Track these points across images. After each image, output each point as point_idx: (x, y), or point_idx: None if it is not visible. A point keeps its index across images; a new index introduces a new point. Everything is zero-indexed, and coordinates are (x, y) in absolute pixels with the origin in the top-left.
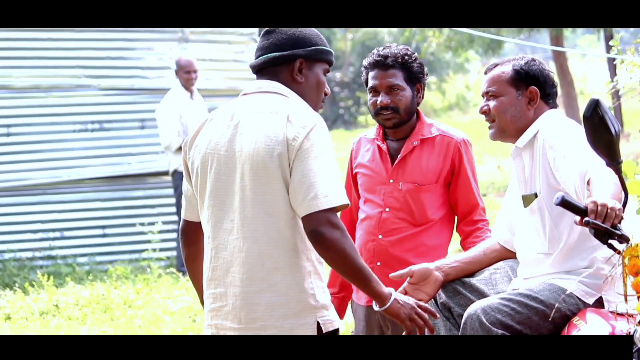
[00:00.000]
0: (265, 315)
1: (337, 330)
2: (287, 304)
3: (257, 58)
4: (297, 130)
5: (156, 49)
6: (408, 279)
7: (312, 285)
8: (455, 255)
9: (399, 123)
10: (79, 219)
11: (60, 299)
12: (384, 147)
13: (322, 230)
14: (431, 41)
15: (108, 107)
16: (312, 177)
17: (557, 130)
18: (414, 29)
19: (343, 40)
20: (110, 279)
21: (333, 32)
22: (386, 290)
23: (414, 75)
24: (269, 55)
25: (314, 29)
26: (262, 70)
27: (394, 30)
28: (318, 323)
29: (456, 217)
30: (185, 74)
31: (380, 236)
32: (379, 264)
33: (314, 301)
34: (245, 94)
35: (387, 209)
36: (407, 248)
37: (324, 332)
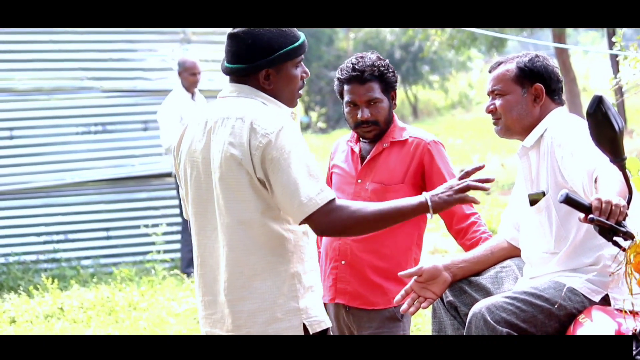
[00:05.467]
0: (249, 322)
1: (327, 330)
2: (270, 309)
3: (226, 62)
4: (259, 140)
5: (158, 50)
6: (415, 277)
7: (295, 287)
8: (463, 254)
9: (378, 134)
10: (82, 221)
11: (64, 301)
12: (356, 148)
13: (325, 227)
14: (434, 40)
15: (111, 109)
16: (292, 186)
17: (566, 129)
18: (416, 28)
19: (345, 40)
20: (115, 281)
21: (335, 32)
22: (418, 200)
23: (390, 85)
24: (234, 66)
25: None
26: (231, 76)
27: (396, 29)
28: (304, 325)
29: (445, 222)
30: (191, 75)
31: None
32: (343, 262)
33: (296, 303)
34: (222, 97)
35: None
36: (371, 248)
37: (310, 333)
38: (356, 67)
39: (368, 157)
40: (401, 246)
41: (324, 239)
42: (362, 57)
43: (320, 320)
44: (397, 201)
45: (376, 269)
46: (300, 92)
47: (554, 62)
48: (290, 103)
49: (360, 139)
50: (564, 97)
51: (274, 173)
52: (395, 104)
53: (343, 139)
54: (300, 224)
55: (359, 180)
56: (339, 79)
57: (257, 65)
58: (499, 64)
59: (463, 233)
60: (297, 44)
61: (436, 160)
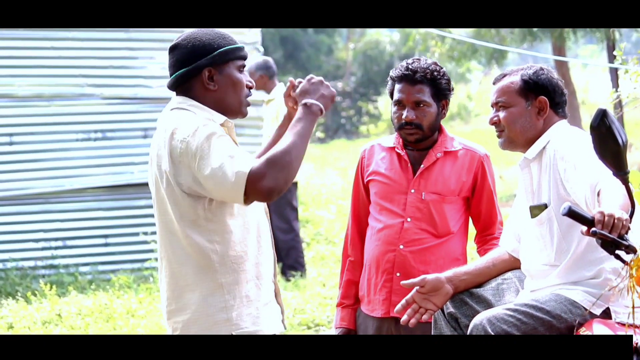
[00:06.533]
0: (183, 333)
1: None
2: (198, 320)
3: (170, 75)
4: (179, 146)
5: (159, 58)
6: (417, 287)
7: (224, 298)
8: (465, 267)
9: (421, 139)
10: (81, 228)
11: (62, 308)
12: (405, 156)
13: (266, 191)
14: (434, 51)
15: (111, 116)
16: (219, 172)
17: (568, 141)
18: (416, 39)
19: (345, 50)
20: (113, 288)
21: (335, 42)
22: (308, 113)
23: (441, 91)
24: (176, 73)
25: (219, 29)
26: (178, 88)
27: (396, 39)
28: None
29: (475, 229)
30: None
31: (401, 246)
32: (398, 274)
33: (225, 315)
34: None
35: (409, 219)
36: (429, 260)
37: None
38: (410, 66)
39: (422, 166)
40: (451, 256)
41: (371, 251)
42: (418, 59)
43: (251, 331)
44: (293, 127)
45: None
46: (248, 100)
47: (558, 76)
48: (238, 110)
49: (406, 146)
50: None
51: (200, 170)
52: (445, 113)
53: (376, 143)
54: (248, 203)
55: (412, 190)
56: (391, 77)
57: (198, 65)
58: (504, 75)
59: (483, 242)
60: (236, 45)
61: (487, 175)
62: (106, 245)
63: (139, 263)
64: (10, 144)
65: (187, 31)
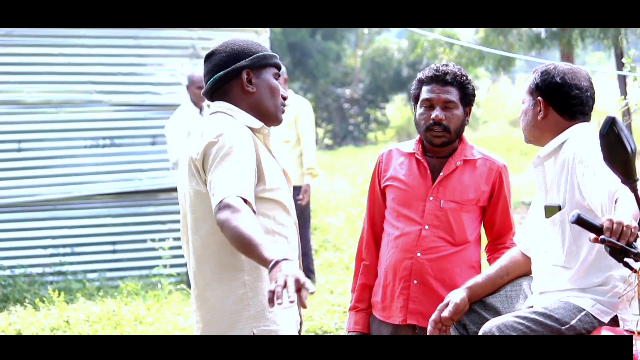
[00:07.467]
0: (204, 332)
1: None
2: (221, 319)
3: (206, 84)
4: (201, 147)
5: (167, 65)
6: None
7: (247, 295)
8: (482, 281)
9: (447, 142)
10: (89, 234)
11: (70, 314)
12: (424, 162)
13: (217, 218)
14: (442, 58)
15: (119, 122)
16: (214, 183)
17: (589, 146)
18: (424, 46)
19: (353, 57)
20: (121, 295)
21: (343, 49)
22: (271, 256)
23: (468, 96)
24: (215, 76)
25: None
26: (214, 93)
27: (404, 46)
28: (254, 334)
29: (486, 237)
30: (198, 89)
31: (418, 254)
32: (415, 282)
33: (247, 312)
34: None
35: (427, 227)
36: (445, 268)
37: None
38: (439, 69)
39: (441, 174)
40: (467, 264)
41: (387, 258)
42: (446, 65)
43: (272, 330)
44: (261, 241)
45: (448, 288)
46: (283, 108)
47: (574, 76)
48: (275, 115)
49: (425, 153)
50: None
51: (209, 172)
52: (468, 120)
53: (394, 148)
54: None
55: (431, 198)
56: (419, 79)
57: (237, 67)
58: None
59: (494, 250)
60: (273, 54)
61: (504, 185)
62: (114, 252)
63: (146, 270)
64: (19, 150)
65: (223, 40)
